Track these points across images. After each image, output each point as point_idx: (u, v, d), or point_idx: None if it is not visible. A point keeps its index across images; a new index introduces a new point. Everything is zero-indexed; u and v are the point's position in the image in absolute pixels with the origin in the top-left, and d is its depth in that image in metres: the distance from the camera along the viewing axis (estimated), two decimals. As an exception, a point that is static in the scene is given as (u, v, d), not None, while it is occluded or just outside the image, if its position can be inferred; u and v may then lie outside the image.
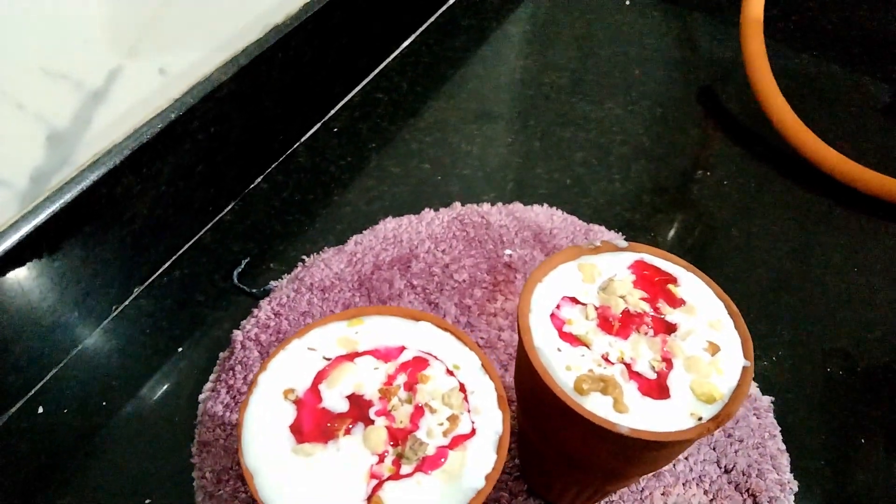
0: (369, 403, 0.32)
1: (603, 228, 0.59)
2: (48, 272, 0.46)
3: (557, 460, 0.39)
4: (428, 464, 0.30)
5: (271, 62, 0.57)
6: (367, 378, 0.32)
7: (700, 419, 0.33)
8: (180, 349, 0.52)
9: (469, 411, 0.32)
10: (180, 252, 0.57)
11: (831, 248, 0.60)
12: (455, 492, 0.29)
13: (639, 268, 0.38)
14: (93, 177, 0.46)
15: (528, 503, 0.45)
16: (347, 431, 0.31)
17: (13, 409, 0.48)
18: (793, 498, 0.47)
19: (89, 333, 0.51)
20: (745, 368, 0.35)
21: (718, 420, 0.33)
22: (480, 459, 0.30)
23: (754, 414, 0.50)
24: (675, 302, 0.37)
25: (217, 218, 0.59)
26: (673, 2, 0.86)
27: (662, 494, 0.46)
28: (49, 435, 0.47)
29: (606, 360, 0.34)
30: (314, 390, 0.32)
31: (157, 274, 0.55)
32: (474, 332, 0.52)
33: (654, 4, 0.86)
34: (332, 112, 0.69)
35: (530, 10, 0.84)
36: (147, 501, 0.45)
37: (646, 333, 0.35)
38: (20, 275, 0.44)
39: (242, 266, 0.56)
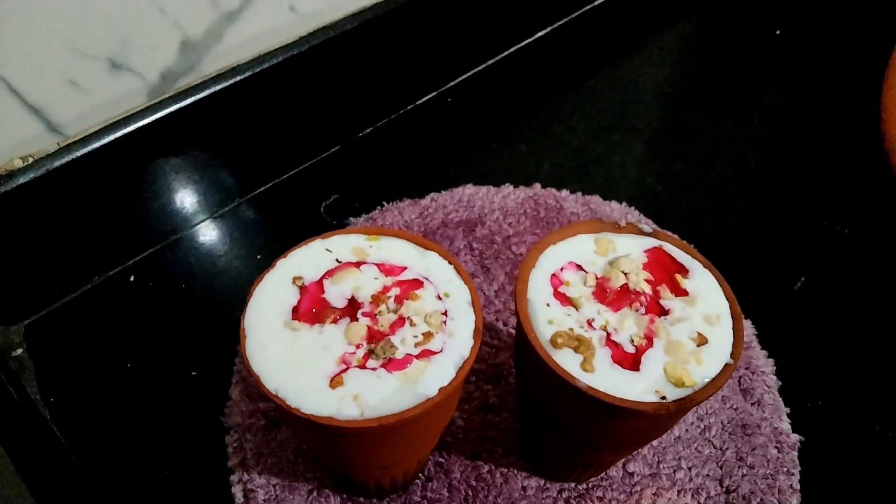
0: (360, 305, 0.35)
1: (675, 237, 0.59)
2: (164, 162, 0.53)
3: (538, 422, 0.41)
4: (393, 364, 0.33)
5: (399, 21, 0.62)
6: (366, 284, 0.36)
7: (663, 398, 0.34)
8: (259, 257, 0.58)
9: (444, 333, 0.35)
10: (283, 177, 0.63)
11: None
12: (408, 393, 0.32)
13: (655, 254, 0.39)
14: (217, 87, 0.53)
15: (518, 464, 0.47)
16: (334, 321, 0.35)
17: (111, 272, 0.56)
18: (792, 538, 0.45)
19: (188, 226, 0.59)
20: (727, 365, 0.35)
21: (682, 403, 0.33)
22: (440, 374, 0.33)
23: (776, 446, 0.49)
24: (679, 291, 0.38)
25: (324, 154, 0.65)
26: (826, 38, 0.83)
27: (653, 494, 0.46)
28: (133, 301, 0.55)
29: (590, 324, 0.36)
30: (319, 283, 0.36)
31: (259, 191, 0.62)
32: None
33: (807, 37, 0.83)
34: (452, 83, 0.73)
35: (682, 28, 0.84)
36: (193, 373, 0.51)
37: (637, 310, 0.37)
38: (140, 157, 0.52)
39: (331, 200, 0.62)
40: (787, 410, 0.51)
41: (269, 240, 0.60)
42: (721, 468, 0.48)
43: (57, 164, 0.48)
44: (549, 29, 0.81)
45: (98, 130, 0.49)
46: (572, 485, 0.46)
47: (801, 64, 0.80)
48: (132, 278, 0.56)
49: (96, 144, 0.49)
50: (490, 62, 0.76)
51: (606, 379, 0.34)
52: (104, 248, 0.55)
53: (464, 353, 0.34)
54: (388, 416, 0.32)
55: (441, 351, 0.34)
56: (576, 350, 0.35)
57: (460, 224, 0.59)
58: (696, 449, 0.48)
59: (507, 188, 0.62)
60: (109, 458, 0.46)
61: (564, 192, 0.62)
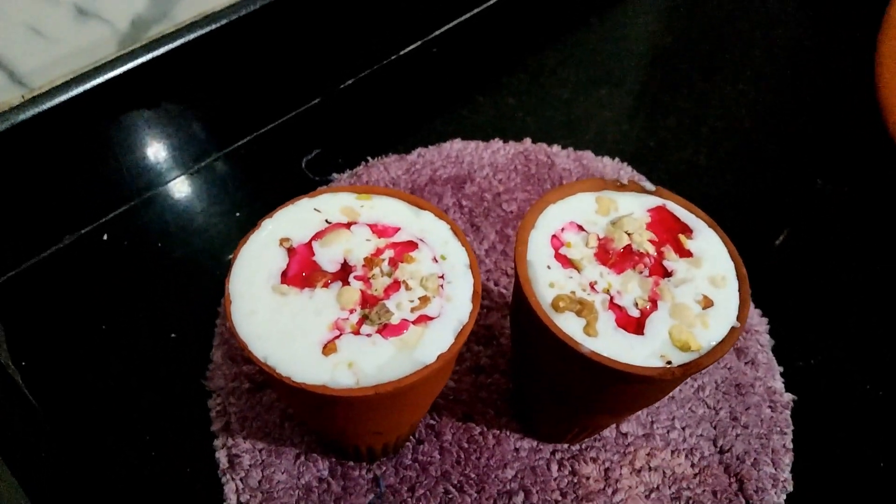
0: (353, 268, 0.34)
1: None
2: (137, 116, 0.50)
3: (535, 385, 0.40)
4: (389, 330, 0.32)
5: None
6: (357, 246, 0.34)
7: (669, 363, 0.33)
8: (238, 214, 0.56)
9: (442, 297, 0.33)
10: (262, 130, 0.60)
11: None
12: (405, 359, 0.31)
13: (659, 213, 0.38)
14: (191, 36, 0.50)
15: (510, 425, 0.46)
16: (325, 285, 0.33)
17: (83, 231, 0.53)
18: (784, 497, 0.45)
19: (163, 182, 0.56)
20: (733, 328, 0.34)
21: (688, 368, 0.32)
22: (438, 339, 0.32)
23: (769, 406, 0.49)
24: (683, 252, 0.36)
25: (303, 107, 0.63)
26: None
27: (647, 455, 0.46)
28: (107, 260, 0.52)
29: (592, 287, 0.35)
30: (308, 245, 0.34)
31: (237, 145, 0.59)
32: (507, 261, 0.53)
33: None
34: (437, 33, 0.70)
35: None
36: (172, 335, 0.49)
37: (640, 272, 0.35)
38: (111, 110, 0.49)
39: (312, 155, 0.59)
40: (781, 370, 0.50)
41: (248, 196, 0.57)
42: (715, 428, 0.47)
43: (22, 117, 0.45)
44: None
45: (65, 82, 0.46)
46: (565, 446, 0.46)
47: (793, 19, 0.78)
48: (105, 237, 0.54)
49: (64, 97, 0.46)
50: (476, 11, 0.73)
51: (610, 343, 0.33)
52: (75, 206, 0.53)
53: (462, 319, 0.33)
54: (384, 384, 0.30)
55: (439, 316, 0.32)
56: (578, 314, 0.33)
57: (449, 181, 0.57)
58: (689, 409, 0.48)
59: (497, 143, 0.60)
60: (85, 423, 0.45)
61: (556, 148, 0.60)
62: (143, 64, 0.48)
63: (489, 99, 0.65)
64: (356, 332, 0.31)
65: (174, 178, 0.57)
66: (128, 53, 0.47)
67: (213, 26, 0.50)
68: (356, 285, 0.33)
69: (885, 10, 0.67)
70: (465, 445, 0.45)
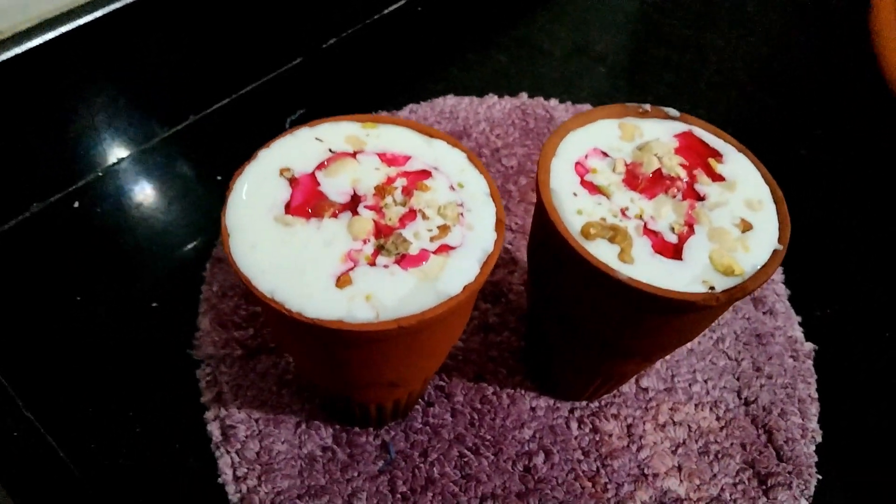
0: (362, 198, 0.30)
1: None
2: (107, 70, 0.46)
3: (558, 330, 0.37)
4: (407, 261, 0.29)
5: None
6: (366, 175, 0.31)
7: (712, 288, 0.30)
8: (219, 177, 0.52)
9: (463, 226, 0.30)
10: (242, 91, 0.57)
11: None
12: (428, 291, 0.28)
13: (686, 138, 0.35)
14: (163, -18, 0.46)
15: (524, 384, 0.43)
16: (334, 215, 0.30)
17: (53, 199, 0.49)
18: (814, 448, 0.43)
19: (138, 146, 0.52)
20: (776, 251, 0.31)
21: (732, 293, 0.30)
22: (462, 269, 0.29)
23: (791, 356, 0.46)
24: (715, 177, 0.34)
25: (285, 67, 0.59)
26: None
27: (670, 409, 0.43)
28: (79, 229, 0.48)
29: (624, 213, 0.32)
30: (311, 176, 0.31)
31: (216, 106, 0.56)
32: (510, 217, 0.50)
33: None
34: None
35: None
36: (154, 304, 0.45)
37: (674, 196, 0.33)
38: (78, 63, 0.45)
39: (297, 115, 0.56)
40: (799, 319, 0.48)
41: (229, 159, 0.52)
42: (738, 379, 0.45)
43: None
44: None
45: (29, 28, 0.42)
46: (584, 403, 0.43)
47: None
48: (76, 204, 0.49)
49: (26, 45, 0.42)
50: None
51: (648, 270, 0.30)
52: (42, 172, 0.48)
53: (487, 248, 0.30)
54: (407, 317, 0.27)
55: (461, 245, 0.29)
56: (611, 241, 0.31)
57: (444, 136, 0.54)
58: (710, 361, 0.45)
59: (492, 98, 0.57)
60: (64, 402, 0.40)
61: (553, 102, 0.58)
62: (116, 11, 0.44)
63: (480, 56, 0.62)
64: (372, 264, 0.28)
65: (150, 141, 0.53)
66: (90, 2, 0.43)
67: (189, -30, 0.47)
68: (368, 215, 0.30)
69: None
70: (479, 406, 0.42)
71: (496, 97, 0.57)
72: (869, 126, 0.62)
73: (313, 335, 0.27)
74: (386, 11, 0.65)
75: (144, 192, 0.51)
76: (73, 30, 0.43)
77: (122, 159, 0.52)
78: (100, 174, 0.51)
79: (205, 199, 0.51)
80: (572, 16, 0.68)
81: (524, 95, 0.58)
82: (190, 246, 0.48)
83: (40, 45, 0.42)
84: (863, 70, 0.65)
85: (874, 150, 0.60)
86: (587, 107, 0.57)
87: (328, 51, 0.61)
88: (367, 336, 0.27)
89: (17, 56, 0.41)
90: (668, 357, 0.45)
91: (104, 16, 0.44)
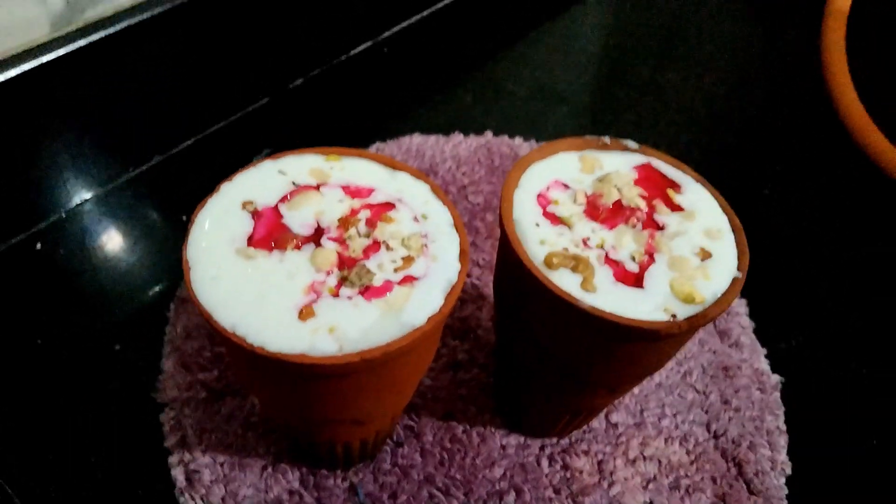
0: (325, 230, 0.30)
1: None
2: (72, 109, 0.46)
3: (525, 363, 0.37)
4: (371, 292, 0.28)
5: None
6: (329, 208, 0.31)
7: (674, 316, 0.30)
8: (184, 217, 0.52)
9: (427, 257, 0.30)
10: (207, 131, 0.57)
11: None
12: (392, 323, 0.28)
13: (645, 170, 0.36)
14: (131, 21, 0.47)
15: (494, 421, 0.43)
16: (297, 247, 0.29)
17: (14, 241, 0.48)
18: (784, 480, 0.43)
19: (102, 187, 0.52)
20: (735, 279, 0.32)
21: (694, 320, 0.30)
22: (426, 300, 0.29)
23: (758, 388, 0.47)
24: (673, 207, 0.34)
25: (251, 107, 0.59)
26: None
27: (640, 444, 0.43)
28: (41, 271, 0.47)
29: (585, 243, 0.32)
30: (275, 209, 0.31)
31: (181, 146, 0.56)
32: (477, 252, 0.50)
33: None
34: (388, 33, 0.68)
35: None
36: (117, 347, 0.44)
37: (634, 226, 0.33)
38: (42, 101, 0.44)
39: (263, 154, 0.55)
40: (765, 351, 0.49)
41: (195, 199, 0.53)
42: (706, 412, 0.45)
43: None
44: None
45: (-10, 67, 0.42)
46: (554, 440, 0.42)
47: (739, 13, 0.80)
48: (38, 246, 0.49)
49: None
50: (427, 12, 0.72)
51: (610, 299, 0.30)
52: (4, 214, 0.48)
53: (451, 278, 0.30)
54: (371, 349, 0.27)
55: (425, 276, 0.29)
56: (574, 270, 0.31)
57: (411, 174, 0.54)
58: (678, 395, 0.46)
59: (458, 137, 0.58)
60: (23, 448, 0.39)
61: (518, 140, 0.59)
62: (78, 50, 0.44)
63: (446, 97, 0.63)
64: (335, 295, 0.28)
65: (114, 182, 0.52)
66: (62, 37, 0.43)
67: (156, 10, 0.47)
68: (331, 246, 0.29)
69: (824, 3, 0.69)
70: (448, 445, 0.42)
71: (462, 136, 0.58)
72: (827, 160, 0.63)
73: (275, 370, 0.27)
74: (352, 53, 0.66)
75: (108, 234, 0.50)
76: (33, 68, 0.43)
77: (86, 200, 0.51)
78: (62, 215, 0.50)
79: (170, 239, 0.50)
80: (535, 58, 0.69)
81: (489, 134, 0.59)
82: (154, 287, 0.47)
83: (2, 81, 0.42)
84: (817, 104, 0.67)
85: (834, 183, 0.61)
86: (552, 145, 0.58)
87: (295, 91, 0.61)
88: (329, 369, 0.26)
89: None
90: (636, 391, 0.45)
91: (66, 54, 0.44)
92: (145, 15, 0.46)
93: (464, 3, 0.74)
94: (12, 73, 0.41)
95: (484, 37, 0.71)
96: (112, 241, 0.49)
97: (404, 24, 0.69)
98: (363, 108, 0.62)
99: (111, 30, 0.45)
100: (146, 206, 0.52)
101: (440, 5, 0.72)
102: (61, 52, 0.43)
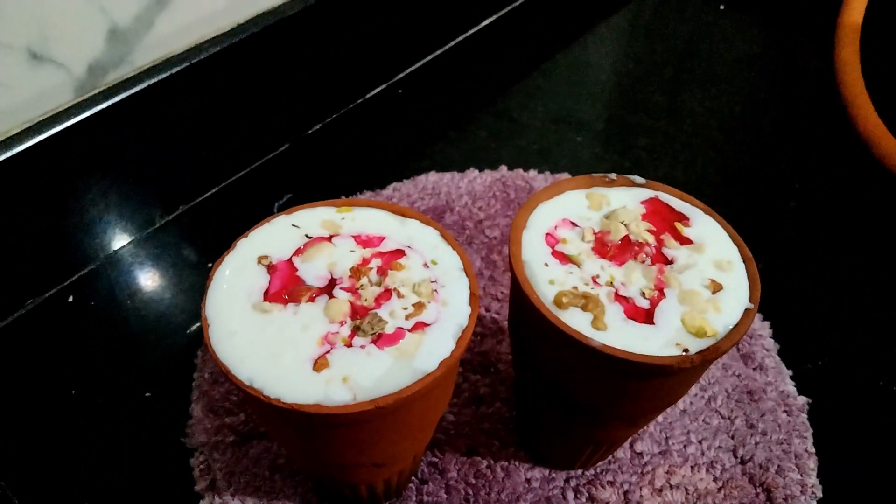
0: (338, 280, 0.31)
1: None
2: (98, 167, 0.48)
3: (542, 399, 0.37)
4: (384, 340, 0.29)
5: (342, 8, 0.58)
6: (341, 258, 0.32)
7: (686, 350, 0.30)
8: (209, 265, 0.53)
9: (437, 302, 0.31)
10: (231, 179, 0.59)
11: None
12: (404, 369, 0.28)
13: (652, 204, 0.36)
14: (151, 81, 0.48)
15: (518, 455, 0.43)
16: (311, 299, 0.30)
17: (48, 294, 0.50)
18: (815, 503, 0.42)
19: (129, 238, 0.53)
20: (747, 310, 0.32)
21: (706, 354, 0.30)
22: (438, 346, 0.29)
23: (784, 410, 0.46)
24: (682, 240, 0.35)
25: (271, 154, 0.61)
26: (770, 10, 0.83)
27: (666, 472, 0.43)
28: (74, 323, 0.49)
29: (595, 281, 0.33)
30: (289, 262, 0.32)
31: (205, 196, 0.57)
32: (496, 286, 0.51)
33: (751, 10, 0.83)
34: (402, 74, 0.70)
35: (628, 10, 0.83)
36: (147, 394, 0.46)
37: (643, 262, 0.33)
38: (69, 162, 0.46)
39: (284, 200, 0.57)
40: (790, 373, 0.48)
41: (220, 246, 0.54)
42: (733, 438, 0.45)
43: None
44: (494, 17, 0.79)
45: (20, 132, 0.44)
46: (579, 472, 0.43)
47: (752, 34, 0.80)
48: (71, 299, 0.50)
49: (19, 148, 0.44)
50: (438, 52, 0.73)
51: (622, 336, 0.31)
52: (36, 268, 0.50)
53: (462, 322, 0.30)
54: (384, 396, 0.27)
55: (436, 321, 0.30)
56: (584, 308, 0.31)
57: (427, 212, 0.55)
58: (703, 421, 0.45)
59: (473, 172, 0.59)
60: (60, 497, 0.40)
61: (532, 173, 0.59)
62: (102, 111, 0.46)
63: (460, 133, 0.64)
64: (349, 345, 0.29)
65: (141, 233, 0.54)
66: (86, 100, 0.45)
67: (174, 70, 0.49)
68: (344, 296, 0.30)
69: (836, 20, 0.69)
70: (473, 481, 0.42)
71: (477, 171, 0.59)
72: (847, 176, 0.63)
73: (292, 420, 0.28)
74: (368, 96, 0.67)
75: (137, 284, 0.52)
76: (61, 131, 0.45)
77: (115, 251, 0.53)
78: (93, 267, 0.52)
79: (196, 286, 0.52)
80: (547, 89, 0.70)
81: (504, 168, 0.59)
82: (182, 334, 0.49)
83: (31, 146, 0.44)
84: (834, 121, 0.67)
85: (855, 199, 0.61)
86: (566, 175, 0.59)
87: (313, 136, 0.63)
88: (344, 418, 0.27)
89: (5, 160, 0.43)
90: (660, 419, 0.45)
91: (91, 116, 0.46)
92: (164, 75, 0.48)
93: (474, 40, 0.75)
94: (39, 138, 0.43)
95: (495, 72, 0.72)
96: (140, 290, 0.51)
97: (418, 64, 0.71)
98: (380, 148, 0.63)
99: (132, 91, 0.47)
100: (173, 255, 0.53)
101: (452, 44, 0.74)
102: (85, 115, 0.45)
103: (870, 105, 0.63)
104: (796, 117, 0.69)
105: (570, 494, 0.42)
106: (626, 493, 0.42)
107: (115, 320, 0.50)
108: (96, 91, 0.46)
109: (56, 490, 0.41)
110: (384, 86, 0.69)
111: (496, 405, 0.45)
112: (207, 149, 0.56)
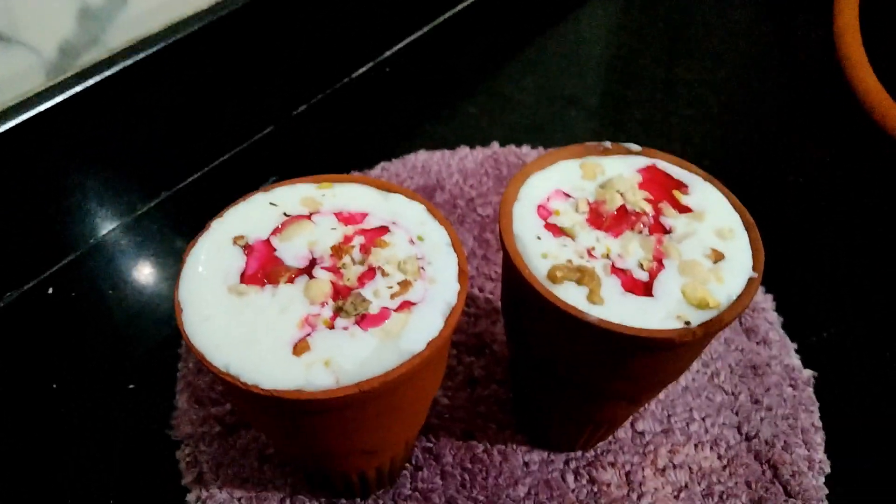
0: (319, 260, 0.30)
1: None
2: (75, 154, 0.46)
3: (539, 379, 0.36)
4: (368, 321, 0.28)
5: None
6: (322, 236, 0.30)
7: (687, 323, 0.29)
8: (194, 251, 0.51)
9: (424, 280, 0.29)
10: (214, 163, 0.57)
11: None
12: (390, 351, 0.27)
13: (650, 172, 0.35)
14: (126, 62, 0.47)
15: (516, 438, 0.42)
16: (290, 280, 0.29)
17: (26, 287, 0.49)
18: (822, 480, 0.41)
19: (110, 226, 0.52)
20: (751, 279, 0.30)
21: (709, 326, 0.29)
22: (425, 325, 0.28)
23: (790, 385, 0.45)
24: (681, 208, 0.33)
25: (255, 138, 0.59)
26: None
27: (669, 452, 0.42)
28: (54, 315, 0.47)
29: (590, 253, 0.31)
30: (266, 242, 0.30)
31: (187, 181, 0.56)
32: (489, 265, 0.49)
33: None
34: (389, 52, 0.68)
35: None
36: (131, 386, 0.44)
37: (640, 232, 0.32)
38: (43, 148, 0.45)
39: (269, 182, 0.55)
40: (795, 346, 0.47)
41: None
42: (737, 414, 0.43)
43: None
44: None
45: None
46: (579, 453, 0.41)
47: (746, 3, 0.78)
48: (50, 290, 0.49)
49: (-11, 134, 0.42)
50: (426, 28, 0.71)
51: (619, 310, 0.29)
52: (14, 261, 0.48)
53: (450, 300, 0.29)
54: (369, 379, 0.26)
55: (423, 300, 0.28)
56: (579, 282, 0.30)
57: (418, 191, 0.53)
58: (706, 397, 0.44)
59: (464, 150, 0.57)
60: (43, 492, 0.39)
61: (525, 148, 0.58)
62: (75, 95, 0.44)
63: (450, 111, 0.63)
64: (331, 327, 0.27)
65: (122, 221, 0.52)
66: (58, 84, 0.44)
67: (150, 51, 0.47)
68: (325, 276, 0.29)
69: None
70: (469, 466, 0.41)
71: (468, 149, 0.57)
72: (848, 146, 0.61)
73: (272, 407, 0.26)
74: (355, 75, 0.65)
75: (118, 273, 0.50)
76: (32, 117, 0.43)
77: (95, 241, 0.51)
78: (72, 258, 0.50)
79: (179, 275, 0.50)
80: (540, 64, 0.68)
81: (496, 145, 0.58)
82: (165, 323, 0.47)
83: (0, 133, 0.42)
84: (834, 90, 0.65)
85: (857, 169, 0.59)
86: (560, 150, 0.57)
87: (299, 117, 0.61)
88: (326, 404, 0.25)
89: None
90: (661, 396, 0.44)
91: (64, 100, 0.44)
92: (140, 56, 0.46)
93: (463, 15, 0.73)
94: (10, 124, 0.42)
95: (486, 48, 0.70)
96: (122, 280, 0.49)
97: (405, 41, 0.69)
98: (368, 128, 0.61)
99: (106, 73, 0.45)
100: (155, 243, 0.52)
101: (441, 20, 0.72)
102: (58, 99, 0.43)
103: (870, 70, 0.62)
104: (795, 87, 0.68)
105: (571, 477, 0.40)
106: (627, 473, 0.41)
107: (96, 311, 0.48)
108: (69, 74, 0.44)
109: (39, 488, 0.39)
110: (371, 64, 0.67)
111: (492, 387, 0.44)
112: (188, 132, 0.54)
